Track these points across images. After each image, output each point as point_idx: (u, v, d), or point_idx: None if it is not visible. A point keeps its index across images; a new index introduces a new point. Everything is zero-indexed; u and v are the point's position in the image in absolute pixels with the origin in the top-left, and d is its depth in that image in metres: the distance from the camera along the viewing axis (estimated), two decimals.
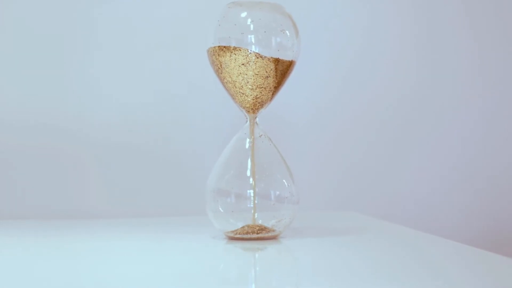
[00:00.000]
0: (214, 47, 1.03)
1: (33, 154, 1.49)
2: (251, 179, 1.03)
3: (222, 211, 1.04)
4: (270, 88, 1.05)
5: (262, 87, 1.04)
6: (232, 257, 0.97)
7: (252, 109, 1.06)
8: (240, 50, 1.02)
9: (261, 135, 1.07)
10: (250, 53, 1.02)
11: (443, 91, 1.65)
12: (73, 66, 1.51)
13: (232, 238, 1.04)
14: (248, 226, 1.04)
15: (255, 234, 1.03)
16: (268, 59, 1.03)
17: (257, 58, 1.02)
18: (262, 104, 1.06)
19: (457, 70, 1.65)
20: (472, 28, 1.66)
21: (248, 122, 1.07)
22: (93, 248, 1.04)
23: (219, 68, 1.04)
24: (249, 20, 1.03)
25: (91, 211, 1.50)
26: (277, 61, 1.03)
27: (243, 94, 1.05)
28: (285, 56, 1.04)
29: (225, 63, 1.03)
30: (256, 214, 1.04)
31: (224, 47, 1.02)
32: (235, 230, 1.04)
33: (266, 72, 1.03)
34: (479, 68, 1.66)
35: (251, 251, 0.97)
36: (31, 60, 1.50)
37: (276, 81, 1.05)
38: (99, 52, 1.53)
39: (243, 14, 1.03)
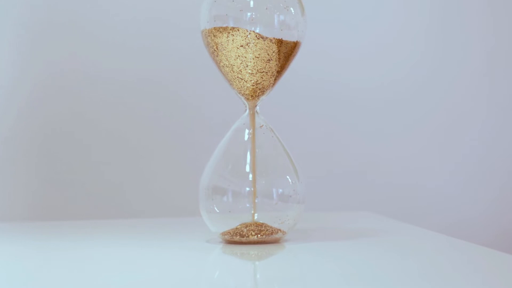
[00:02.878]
0: (210, 28, 1.02)
1: (28, 155, 1.52)
2: (250, 175, 1.03)
3: (218, 211, 1.03)
4: (272, 72, 1.03)
5: (263, 72, 1.03)
6: (229, 263, 0.96)
7: (251, 96, 1.05)
8: (238, 30, 1.01)
9: (262, 125, 1.05)
10: (249, 33, 1.01)
11: (456, 88, 1.67)
12: (64, 55, 1.53)
13: (230, 242, 1.03)
14: (247, 228, 1.03)
15: (255, 237, 1.02)
16: (270, 40, 1.01)
17: (258, 39, 1.01)
18: (263, 91, 1.05)
19: (471, 65, 1.67)
20: (490, 22, 1.67)
21: (247, 111, 1.06)
22: (76, 252, 1.03)
23: (214, 50, 1.03)
24: None
25: (74, 212, 1.51)
26: (280, 42, 1.02)
27: (241, 79, 1.03)
28: (289, 37, 1.03)
29: (222, 44, 1.02)
30: (256, 214, 1.03)
31: (220, 27, 1.02)
32: (232, 233, 1.03)
33: (268, 54, 1.02)
34: (494, 62, 1.67)
35: (251, 257, 0.97)
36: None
37: (279, 64, 1.04)
38: (85, 38, 1.54)
39: None
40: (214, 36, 1.02)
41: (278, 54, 1.03)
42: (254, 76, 1.03)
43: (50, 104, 1.53)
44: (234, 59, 1.02)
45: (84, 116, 1.54)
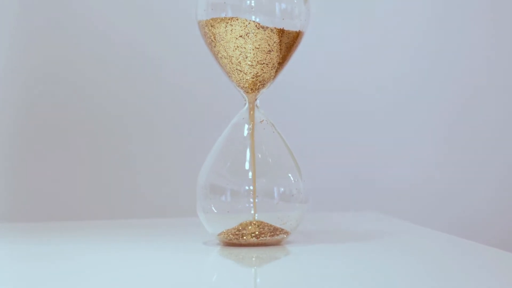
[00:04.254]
0: (207, 18, 1.02)
1: (18, 153, 1.53)
2: (250, 173, 1.02)
3: (215, 211, 1.02)
4: (273, 64, 1.03)
5: (263, 63, 1.02)
6: (228, 267, 0.95)
7: (251, 89, 1.04)
8: (237, 19, 1.00)
9: (263, 120, 1.05)
10: (249, 23, 1.00)
11: (459, 85, 1.67)
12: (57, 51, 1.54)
13: (228, 244, 1.02)
14: (246, 229, 1.02)
15: (255, 239, 1.01)
16: (271, 29, 1.00)
17: (258, 28, 1.00)
18: (264, 83, 1.04)
19: (471, 62, 1.68)
20: (491, 18, 1.68)
21: (246, 105, 1.05)
22: (67, 254, 1.03)
23: (212, 40, 1.02)
24: None
25: (64, 212, 1.53)
26: (281, 32, 1.01)
27: (240, 71, 1.02)
28: (291, 26, 1.02)
29: (220, 34, 1.01)
30: (256, 215, 1.02)
31: (218, 17, 1.01)
32: (231, 234, 1.02)
33: (269, 45, 1.01)
34: (494, 59, 1.68)
35: (250, 260, 0.96)
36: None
37: (280, 56, 1.03)
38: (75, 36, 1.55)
39: None
40: (211, 26, 1.01)
41: (280, 45, 1.02)
42: (254, 68, 1.02)
43: (43, 101, 1.54)
44: (233, 50, 1.01)
45: (75, 113, 1.54)
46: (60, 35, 1.54)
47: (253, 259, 0.96)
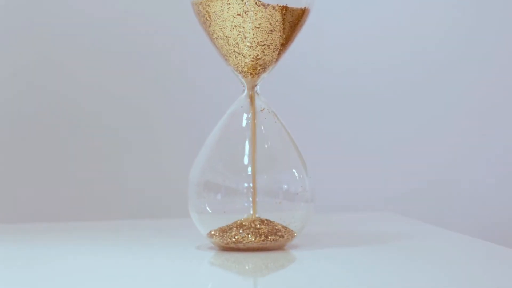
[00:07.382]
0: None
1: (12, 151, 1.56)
2: (249, 169, 1.01)
3: (210, 211, 1.01)
4: (275, 45, 1.01)
5: (264, 45, 1.00)
6: (223, 275, 0.93)
7: (251, 73, 1.02)
8: None
9: (263, 109, 1.03)
10: (248, 0, 0.98)
11: (492, 71, 1.67)
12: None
13: (224, 248, 1.01)
14: (245, 231, 1.00)
15: (254, 243, 0.99)
16: (273, 7, 0.99)
17: (258, 6, 0.99)
18: (265, 67, 1.02)
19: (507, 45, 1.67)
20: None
21: (245, 91, 1.04)
22: (43, 258, 1.03)
23: (206, 19, 1.00)
24: None
25: (46, 212, 1.54)
26: (284, 9, 1.00)
27: (239, 53, 1.01)
28: (296, 3, 1.01)
29: (215, 13, 1.00)
30: (256, 215, 1.01)
31: None
32: (227, 237, 1.00)
33: (270, 24, 1.00)
34: None
35: (249, 267, 0.95)
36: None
37: (284, 36, 1.01)
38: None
39: None
40: (206, 5, 1.00)
41: (282, 24, 1.00)
42: (253, 49, 1.01)
43: (37, 101, 1.56)
44: (230, 30, 1.00)
45: (63, 108, 1.56)
46: (48, 28, 1.55)
47: (253, 266, 0.95)
